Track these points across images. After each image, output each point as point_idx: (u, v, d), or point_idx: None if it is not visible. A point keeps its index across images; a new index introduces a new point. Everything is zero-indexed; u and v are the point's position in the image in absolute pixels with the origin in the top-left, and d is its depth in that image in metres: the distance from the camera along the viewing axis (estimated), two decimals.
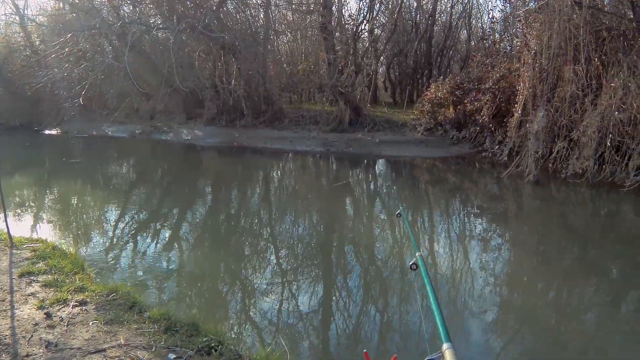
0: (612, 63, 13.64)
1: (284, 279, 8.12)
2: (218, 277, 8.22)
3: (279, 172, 18.51)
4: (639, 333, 6.31)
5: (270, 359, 4.90)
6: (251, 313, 6.76)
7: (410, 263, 3.48)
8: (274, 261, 9.09)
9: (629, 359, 5.81)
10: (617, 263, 8.96)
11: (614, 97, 12.98)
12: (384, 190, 14.51)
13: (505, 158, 15.70)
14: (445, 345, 2.26)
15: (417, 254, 3.50)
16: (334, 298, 7.58)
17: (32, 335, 4.70)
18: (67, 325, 4.90)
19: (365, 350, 3.52)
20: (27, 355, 4.35)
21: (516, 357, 5.91)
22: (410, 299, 7.18)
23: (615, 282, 8.28)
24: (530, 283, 8.16)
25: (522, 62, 15.77)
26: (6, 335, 4.69)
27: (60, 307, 5.33)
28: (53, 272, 6.37)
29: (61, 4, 24.83)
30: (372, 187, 16.01)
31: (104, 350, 4.47)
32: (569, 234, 10.55)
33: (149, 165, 19.80)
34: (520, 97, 15.38)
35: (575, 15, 14.16)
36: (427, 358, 2.26)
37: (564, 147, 13.94)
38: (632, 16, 13.61)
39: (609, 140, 12.87)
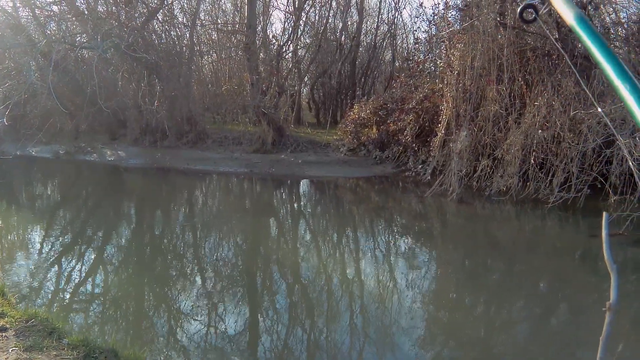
0: (536, 82, 13.77)
1: (207, 302, 7.81)
2: (140, 300, 7.87)
3: (202, 193, 17.98)
4: (569, 344, 6.33)
5: None
6: (172, 337, 6.49)
7: None
8: (198, 283, 8.76)
9: None
10: (544, 277, 9.05)
11: (538, 115, 13.09)
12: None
13: (429, 177, 15.56)
14: None
15: None
16: (259, 319, 7.29)
17: None
18: None
19: None
20: None
21: None
22: (338, 319, 7.05)
23: (543, 295, 8.36)
24: (458, 299, 8.11)
25: (446, 82, 15.74)
26: None
27: None
28: None
29: None
30: (295, 207, 15.70)
31: None
32: (494, 250, 10.53)
33: (72, 187, 18.93)
34: (444, 117, 15.31)
35: (500, 36, 14.28)
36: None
37: (487, 166, 13.94)
38: (557, 36, 13.75)
39: (533, 157, 12.97)
